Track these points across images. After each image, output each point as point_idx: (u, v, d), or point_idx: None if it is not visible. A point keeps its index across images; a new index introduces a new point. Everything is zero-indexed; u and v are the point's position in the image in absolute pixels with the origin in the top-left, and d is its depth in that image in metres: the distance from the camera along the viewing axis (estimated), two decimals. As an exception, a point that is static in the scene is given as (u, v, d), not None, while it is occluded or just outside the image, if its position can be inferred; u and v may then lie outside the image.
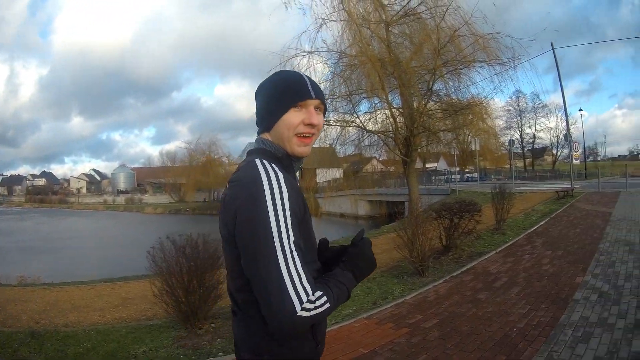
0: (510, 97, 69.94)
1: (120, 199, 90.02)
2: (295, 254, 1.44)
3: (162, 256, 5.95)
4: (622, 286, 6.72)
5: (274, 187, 1.47)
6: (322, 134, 17.49)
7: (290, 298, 1.38)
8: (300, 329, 1.44)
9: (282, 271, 1.39)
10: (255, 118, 1.76)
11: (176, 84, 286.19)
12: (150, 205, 76.61)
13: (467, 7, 15.43)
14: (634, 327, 5.11)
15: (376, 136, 18.79)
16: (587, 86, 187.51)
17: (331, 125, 17.29)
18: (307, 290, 1.42)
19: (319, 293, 1.46)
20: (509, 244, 10.97)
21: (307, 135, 1.67)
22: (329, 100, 16.48)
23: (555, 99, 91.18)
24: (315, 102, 1.67)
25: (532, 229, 12.91)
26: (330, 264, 1.71)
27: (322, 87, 17.38)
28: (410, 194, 18.99)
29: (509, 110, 71.77)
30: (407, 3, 16.66)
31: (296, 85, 1.65)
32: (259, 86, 1.73)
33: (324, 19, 16.37)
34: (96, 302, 8.35)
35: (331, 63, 17.74)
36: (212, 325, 6.13)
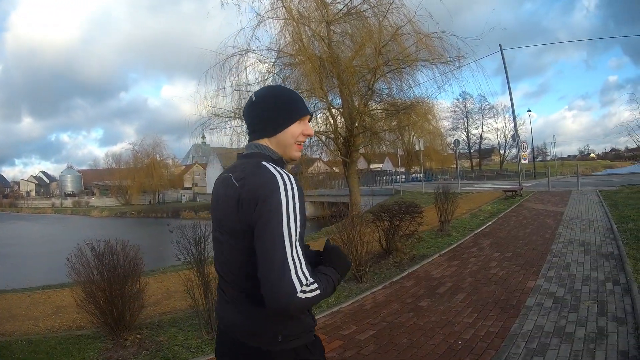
0: (457, 99, 72.65)
1: (68, 202, 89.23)
2: (298, 244, 1.71)
3: (81, 263, 5.80)
4: (579, 290, 6.40)
5: (288, 186, 1.74)
6: None
7: (292, 281, 1.63)
8: (295, 310, 1.69)
9: (288, 257, 1.65)
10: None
11: (124, 84, 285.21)
12: (97, 209, 76.31)
13: (412, 5, 15.63)
14: (596, 336, 4.73)
15: (315, 137, 18.56)
16: (537, 88, 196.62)
17: None
18: (306, 275, 1.69)
19: (311, 280, 1.71)
20: (454, 246, 10.67)
21: (302, 142, 2.06)
22: None
23: (503, 100, 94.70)
24: (309, 116, 2.07)
25: (479, 230, 12.73)
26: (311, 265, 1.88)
27: (257, 86, 17.48)
28: (351, 196, 18.90)
29: (455, 111, 74.92)
30: (350, 1, 16.53)
31: (300, 102, 2.03)
32: (262, 97, 2.00)
33: (262, 16, 16.29)
34: (32, 310, 8.14)
35: (270, 62, 17.60)
36: (138, 336, 5.96)
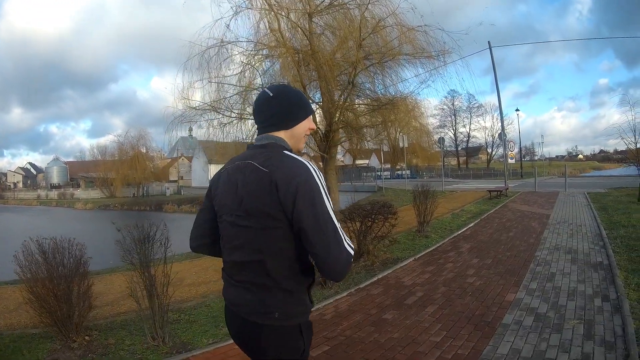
0: (445, 97, 74.85)
1: (54, 194, 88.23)
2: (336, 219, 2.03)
3: (26, 261, 5.68)
4: (564, 306, 5.80)
5: (317, 172, 2.04)
6: (238, 127, 18.00)
7: (346, 248, 1.98)
8: (348, 271, 2.06)
9: (338, 230, 1.98)
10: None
11: (114, 76, 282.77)
12: (81, 201, 75.60)
13: (395, -3, 15.22)
14: (581, 365, 4.14)
15: None
16: (527, 89, 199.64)
17: (249, 119, 16.82)
18: (350, 242, 2.04)
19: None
20: (430, 249, 10.15)
21: (307, 136, 2.38)
22: (244, 92, 16.91)
23: (492, 99, 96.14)
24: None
25: (460, 232, 12.24)
26: None
27: (234, 79, 17.20)
28: (329, 194, 18.42)
29: (443, 109, 76.93)
30: (334, -8, 16.18)
31: (308, 101, 2.39)
32: (281, 93, 2.25)
33: (239, 6, 15.88)
34: (-5, 305, 8.13)
35: (248, 54, 17.26)
36: (87, 337, 5.84)
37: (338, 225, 1.98)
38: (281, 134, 2.20)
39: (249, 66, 17.24)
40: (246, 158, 2.14)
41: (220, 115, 17.57)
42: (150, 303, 5.48)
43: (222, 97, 17.30)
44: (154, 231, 5.65)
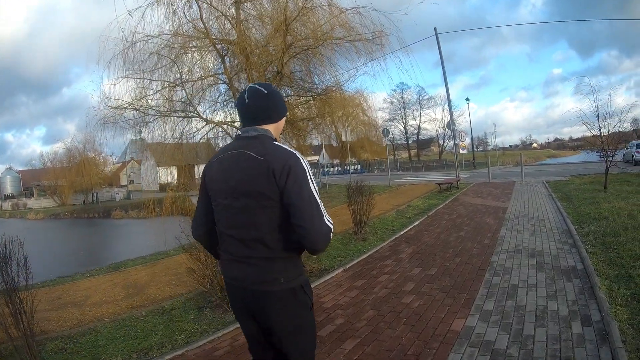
0: (394, 90, 77.76)
1: (7, 205, 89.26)
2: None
3: None
4: (531, 337, 4.38)
5: (303, 158, 2.41)
6: (165, 126, 16.47)
7: (327, 223, 2.33)
8: (328, 243, 2.40)
9: (321, 207, 2.34)
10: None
11: (66, 80, 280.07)
12: (34, 211, 76.81)
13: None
14: None
15: (220, 128, 17.34)
16: (478, 80, 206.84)
17: (172, 116, 15.70)
18: (330, 219, 2.39)
19: None
20: (366, 255, 8.89)
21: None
22: (167, 88, 15.25)
23: (442, 91, 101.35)
24: None
25: (402, 232, 11.15)
26: None
27: (154, 74, 16.08)
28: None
29: (392, 102, 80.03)
30: (263, -24, 15.13)
31: None
32: (273, 92, 2.63)
33: None
34: None
35: (169, 46, 16.08)
36: None
37: (320, 203, 2.35)
38: (270, 127, 2.58)
39: (169, 60, 16.08)
40: (238, 148, 2.50)
41: (142, 114, 16.45)
42: (18, 332, 5.06)
43: (143, 94, 16.18)
44: (15, 250, 5.07)
